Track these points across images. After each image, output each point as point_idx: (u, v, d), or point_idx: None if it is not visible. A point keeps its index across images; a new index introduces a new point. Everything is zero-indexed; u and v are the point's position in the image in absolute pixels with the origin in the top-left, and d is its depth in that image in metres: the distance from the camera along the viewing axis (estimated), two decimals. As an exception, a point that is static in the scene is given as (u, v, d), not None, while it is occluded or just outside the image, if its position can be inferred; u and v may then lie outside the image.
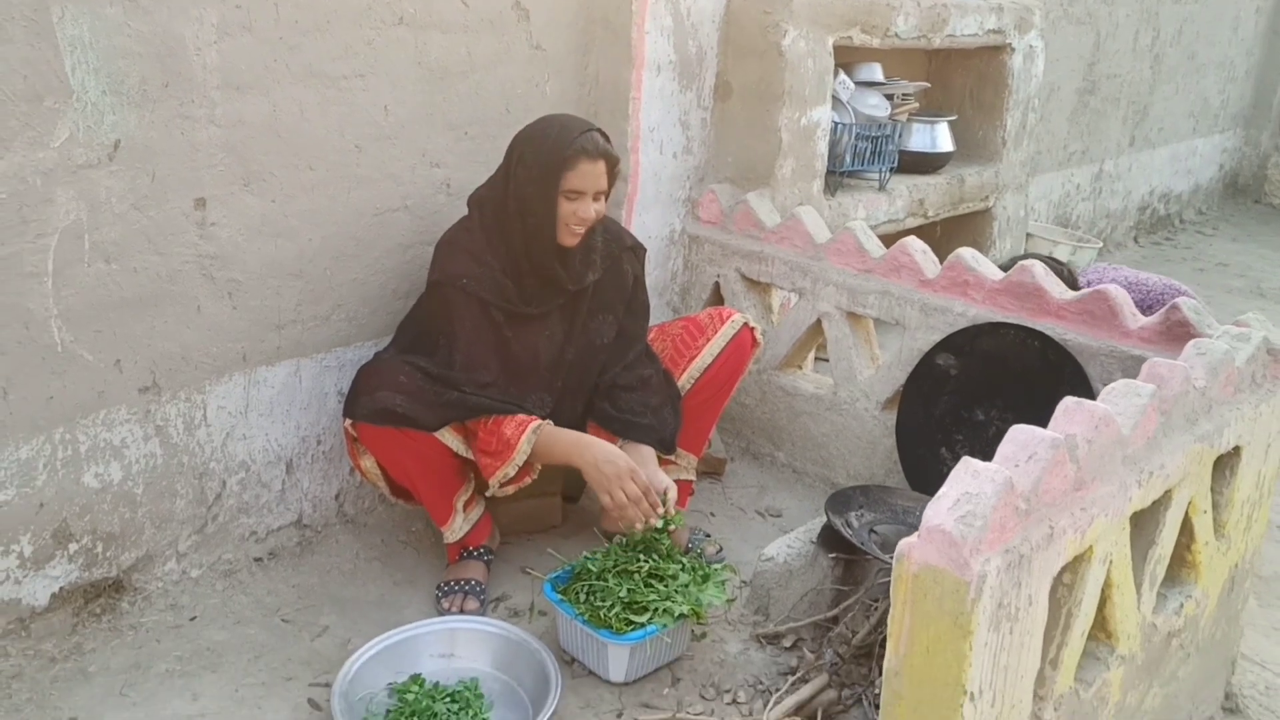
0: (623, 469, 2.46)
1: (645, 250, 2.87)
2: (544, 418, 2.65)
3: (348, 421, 2.51)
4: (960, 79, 4.54)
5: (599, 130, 2.57)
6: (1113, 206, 6.57)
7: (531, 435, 2.49)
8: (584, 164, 2.51)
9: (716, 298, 3.50)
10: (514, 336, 2.62)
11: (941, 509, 1.72)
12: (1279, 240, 7.28)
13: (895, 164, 3.95)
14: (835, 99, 3.70)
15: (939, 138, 4.23)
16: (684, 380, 2.84)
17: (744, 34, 3.39)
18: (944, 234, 4.56)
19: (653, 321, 3.01)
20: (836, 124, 3.66)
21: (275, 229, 2.59)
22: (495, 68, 2.97)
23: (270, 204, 2.56)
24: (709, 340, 2.87)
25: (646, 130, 3.29)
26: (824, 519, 2.61)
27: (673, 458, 2.84)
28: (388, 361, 2.54)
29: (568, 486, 3.01)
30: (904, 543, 1.72)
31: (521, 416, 2.52)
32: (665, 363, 2.87)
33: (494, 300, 2.57)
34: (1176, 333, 2.65)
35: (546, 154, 2.52)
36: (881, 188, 3.92)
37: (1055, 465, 1.83)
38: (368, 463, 2.59)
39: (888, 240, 4.12)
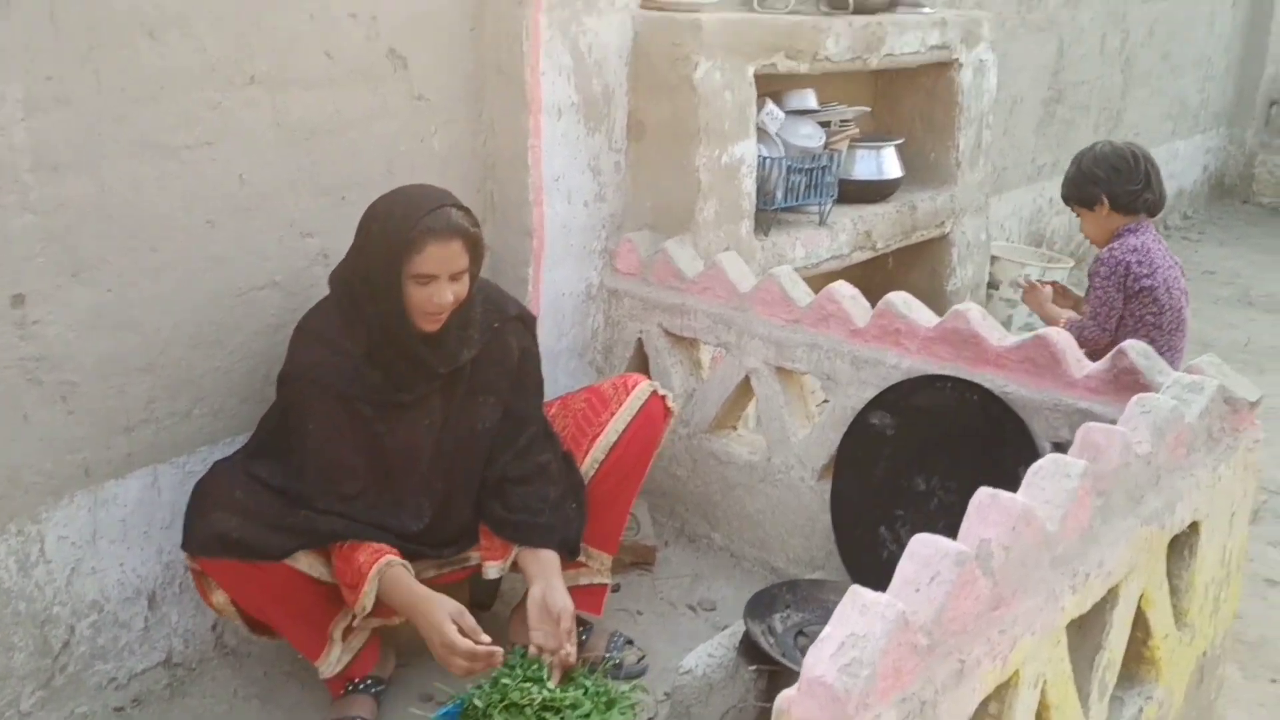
0: (455, 647, 2.13)
1: (534, 319, 2.60)
2: (423, 531, 2.36)
3: (185, 555, 2.24)
4: (908, 99, 4.27)
5: (455, 204, 2.29)
6: (1090, 217, 6.28)
7: (378, 573, 2.20)
8: (432, 246, 2.21)
9: (640, 355, 3.22)
10: (388, 431, 2.34)
11: (824, 655, 1.44)
12: (1269, 242, 6.99)
13: (835, 195, 3.67)
14: (763, 131, 3.43)
15: (885, 164, 3.95)
16: (587, 464, 2.57)
17: (653, 69, 3.13)
18: (897, 265, 4.28)
19: (575, 385, 2.74)
20: (765, 158, 3.39)
21: (114, 320, 2.31)
22: (372, 123, 2.71)
23: (106, 294, 2.29)
24: (614, 414, 2.60)
25: (551, 179, 3.02)
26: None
27: (581, 559, 2.56)
28: (224, 474, 2.25)
29: (477, 593, 2.70)
30: (783, 696, 1.45)
31: (375, 546, 2.23)
32: (566, 443, 2.59)
33: (357, 393, 2.29)
34: (1125, 381, 2.36)
35: (390, 236, 2.23)
36: (822, 222, 3.65)
37: (963, 586, 1.55)
38: (219, 598, 2.28)
39: (834, 277, 3.85)
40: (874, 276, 4.42)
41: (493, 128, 2.99)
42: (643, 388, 2.64)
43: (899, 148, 4.01)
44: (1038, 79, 5.53)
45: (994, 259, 4.81)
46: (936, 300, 4.36)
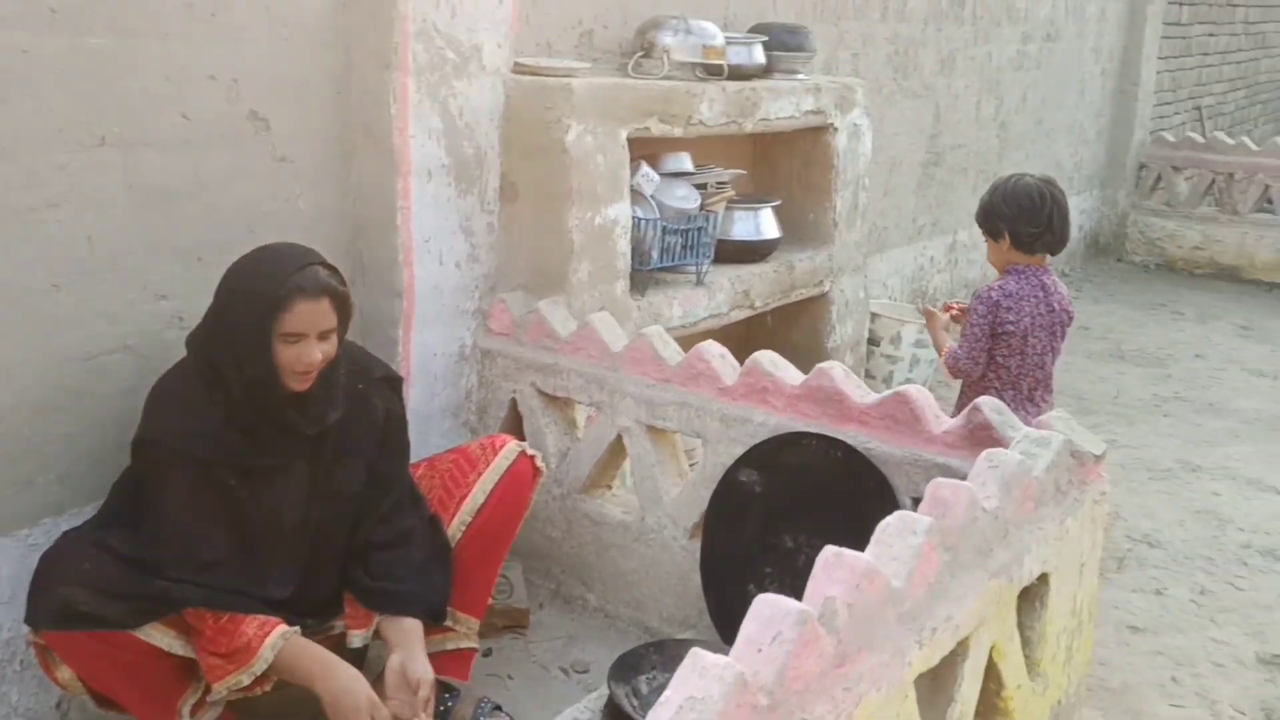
0: (361, 707, 2.13)
1: (400, 380, 2.57)
2: (288, 599, 2.31)
3: (27, 630, 2.14)
4: (786, 162, 4.36)
5: (322, 263, 2.27)
6: (970, 276, 6.47)
7: (278, 640, 2.15)
8: (301, 304, 2.19)
9: (515, 416, 3.20)
10: (250, 497, 2.28)
11: (663, 718, 1.42)
12: (1140, 299, 7.25)
13: (712, 255, 3.71)
14: (638, 193, 3.46)
15: (763, 225, 4.01)
16: (454, 526, 2.53)
17: (526, 132, 3.14)
18: (778, 323, 4.34)
19: (449, 446, 2.70)
20: (640, 219, 3.42)
21: (-51, 387, 2.23)
22: (231, 185, 2.67)
23: (-59, 359, 2.20)
24: (481, 475, 2.58)
25: (421, 241, 3.01)
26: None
27: (448, 624, 2.51)
28: (72, 545, 2.17)
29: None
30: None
31: (263, 617, 2.18)
32: (434, 506, 2.55)
33: (217, 458, 2.23)
34: (979, 436, 2.41)
35: (257, 294, 2.20)
36: (700, 282, 3.68)
37: (805, 644, 1.55)
38: (64, 674, 2.18)
39: (714, 335, 3.88)
40: (756, 334, 4.46)
41: (361, 190, 2.97)
42: (510, 448, 2.62)
43: (777, 209, 4.08)
44: (916, 143, 5.69)
45: (874, 316, 4.90)
46: (817, 357, 4.39)
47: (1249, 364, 5.89)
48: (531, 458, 2.63)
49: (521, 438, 3.15)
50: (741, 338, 4.45)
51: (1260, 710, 2.88)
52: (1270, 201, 7.79)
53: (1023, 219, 3.07)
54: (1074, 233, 7.81)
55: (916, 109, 5.62)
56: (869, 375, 4.94)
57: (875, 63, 5.16)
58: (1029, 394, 3.09)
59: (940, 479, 1.92)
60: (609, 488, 3.12)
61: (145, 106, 2.47)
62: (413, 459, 2.66)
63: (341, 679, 2.16)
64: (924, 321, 5.02)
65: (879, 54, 5.18)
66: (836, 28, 4.83)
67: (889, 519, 1.82)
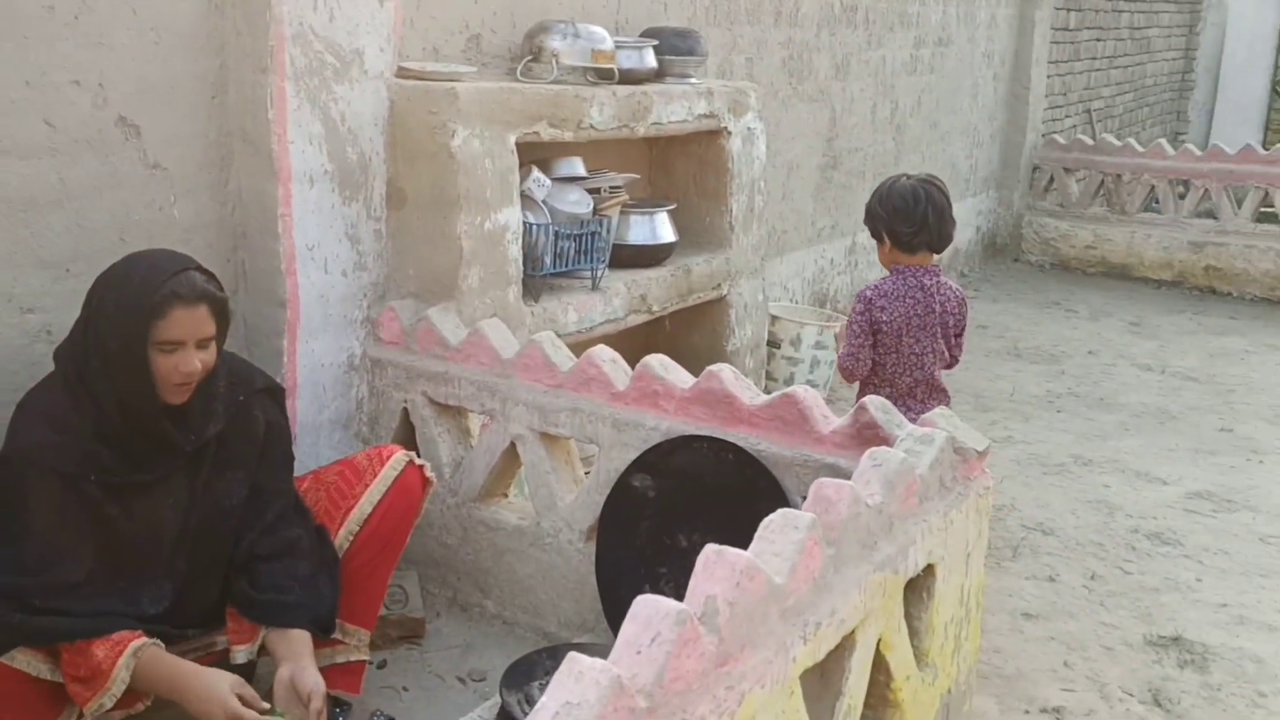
0: (214, 715, 2.06)
1: (283, 391, 2.50)
2: (165, 613, 2.23)
3: None
4: (681, 166, 4.37)
5: (198, 268, 2.21)
6: (871, 276, 6.54)
7: (130, 659, 2.07)
8: (178, 310, 2.13)
9: (407, 425, 3.14)
10: (122, 513, 2.20)
11: (538, 724, 1.39)
12: (1036, 298, 7.42)
13: (607, 260, 3.69)
14: (529, 198, 3.43)
15: (659, 228, 4.01)
16: (341, 538, 2.47)
17: (411, 137, 3.09)
18: (677, 327, 4.34)
19: (339, 458, 2.63)
20: (531, 225, 3.39)
21: None
22: (101, 193, 2.58)
23: None
24: (368, 486, 2.52)
25: (305, 248, 2.94)
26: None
27: (337, 636, 2.45)
28: (-69, 570, 2.08)
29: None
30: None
31: (118, 635, 2.09)
32: (320, 518, 2.49)
33: (86, 474, 2.15)
34: (866, 435, 2.43)
35: (131, 301, 2.13)
36: (595, 286, 3.66)
37: (685, 644, 1.53)
38: None
39: (610, 340, 3.86)
40: (655, 339, 4.46)
41: (240, 197, 2.89)
42: (398, 458, 2.57)
43: (673, 213, 4.08)
44: (813, 146, 5.75)
45: (774, 319, 4.93)
46: (717, 360, 4.40)
47: (1138, 359, 6.06)
48: (420, 467, 2.58)
49: (414, 448, 3.10)
50: (640, 342, 4.44)
51: (1148, 690, 2.95)
52: (1156, 201, 8.04)
53: (898, 219, 3.09)
54: (971, 234, 8.00)
55: (813, 113, 5.68)
56: (770, 377, 4.97)
57: (770, 67, 5.20)
58: (909, 391, 3.12)
59: (824, 478, 1.92)
60: (505, 495, 3.08)
61: (4, 112, 2.38)
62: (301, 472, 2.60)
63: (196, 688, 2.09)
64: (824, 324, 5.09)
65: (773, 58, 5.22)
66: (730, 32, 4.86)
67: (772, 516, 1.81)
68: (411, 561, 2.99)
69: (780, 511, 1.81)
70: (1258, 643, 3.19)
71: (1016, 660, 3.03)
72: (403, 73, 3.15)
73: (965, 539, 2.24)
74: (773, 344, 4.92)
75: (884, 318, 3.07)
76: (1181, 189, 7.97)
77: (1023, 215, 8.43)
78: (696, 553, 2.57)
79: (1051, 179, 8.37)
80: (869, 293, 3.11)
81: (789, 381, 4.96)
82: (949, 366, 3.26)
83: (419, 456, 2.70)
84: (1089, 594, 3.41)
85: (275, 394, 2.47)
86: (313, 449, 3.04)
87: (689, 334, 4.42)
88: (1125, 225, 8.02)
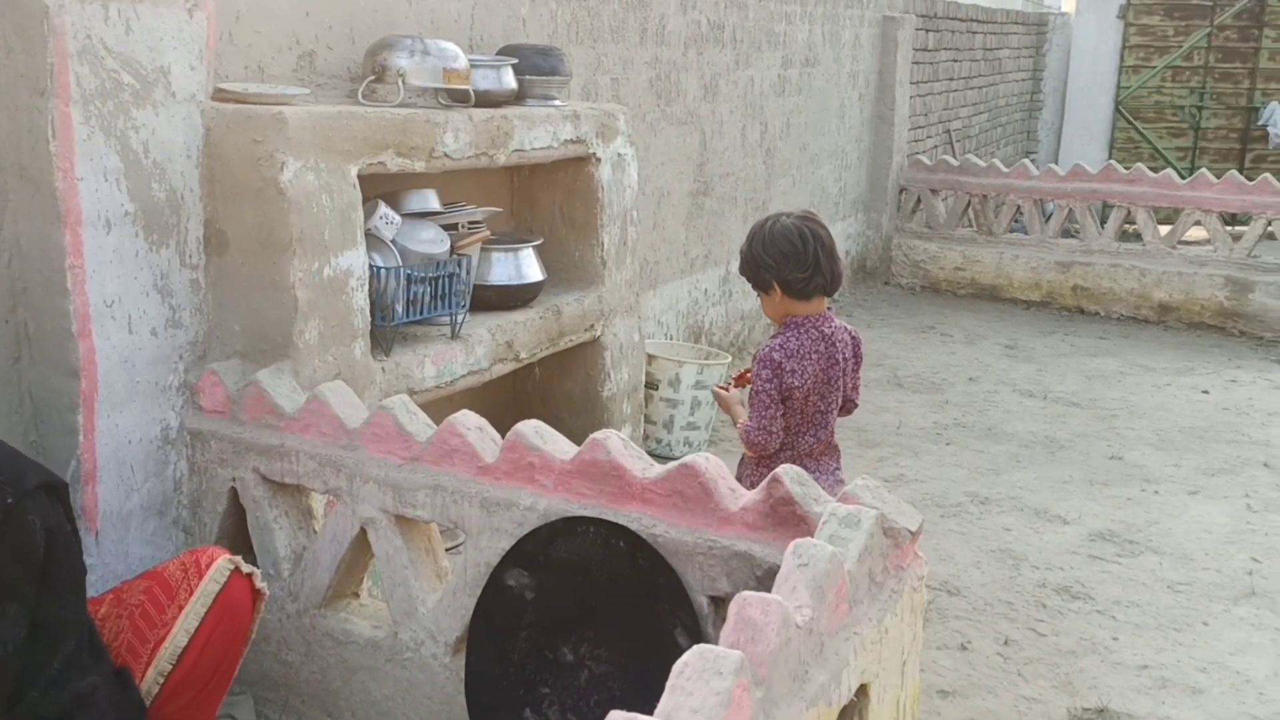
0: None
1: (65, 487, 2.01)
2: None
3: None
4: (547, 197, 3.98)
5: None
6: (746, 307, 6.28)
7: None
8: None
9: (236, 509, 2.67)
10: None
11: None
12: (910, 322, 7.27)
13: (468, 304, 3.29)
14: (376, 238, 3.00)
15: (525, 266, 3.61)
16: (149, 680, 2.01)
17: (231, 170, 2.64)
18: (547, 374, 3.95)
19: (156, 553, 2.15)
20: (379, 268, 2.96)
21: None
22: None
23: None
24: (183, 608, 2.05)
25: (102, 305, 2.45)
26: None
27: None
28: None
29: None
30: None
31: None
32: (121, 654, 2.01)
33: None
34: (782, 513, 2.07)
35: None
36: (455, 335, 3.24)
37: None
38: None
39: (474, 395, 3.46)
40: (524, 388, 4.07)
41: (19, 245, 2.40)
42: (220, 566, 2.11)
43: (539, 248, 3.69)
44: (683, 171, 5.44)
45: (651, 358, 4.59)
46: (593, 408, 4.06)
47: (1019, 385, 5.92)
48: (249, 577, 2.13)
49: (246, 536, 2.64)
50: (509, 394, 4.04)
51: (1079, 772, 2.69)
52: (1019, 221, 8.02)
53: (788, 265, 2.74)
54: (843, 257, 7.80)
55: (682, 136, 5.36)
56: (649, 420, 4.62)
57: (637, 88, 4.87)
58: (809, 452, 2.80)
59: (747, 595, 1.55)
60: (355, 595, 2.63)
61: None
62: (100, 590, 2.12)
63: None
64: (703, 361, 4.77)
65: (640, 78, 4.89)
66: (594, 50, 4.50)
67: (687, 658, 1.44)
68: (245, 683, 2.52)
69: (698, 651, 1.44)
70: (1183, 710, 2.96)
71: (945, 750, 2.73)
72: (220, 95, 2.69)
73: (901, 647, 1.90)
74: (650, 385, 4.58)
75: (795, 381, 2.72)
76: (1044, 209, 7.96)
77: (892, 238, 8.31)
78: (584, 669, 2.20)
79: (919, 200, 8.28)
80: (776, 355, 2.74)
81: (669, 424, 4.63)
82: (848, 413, 2.95)
83: (250, 557, 2.25)
84: (1005, 663, 3.14)
85: (56, 491, 1.98)
86: (120, 545, 2.55)
87: (561, 380, 4.04)
88: (993, 246, 7.96)
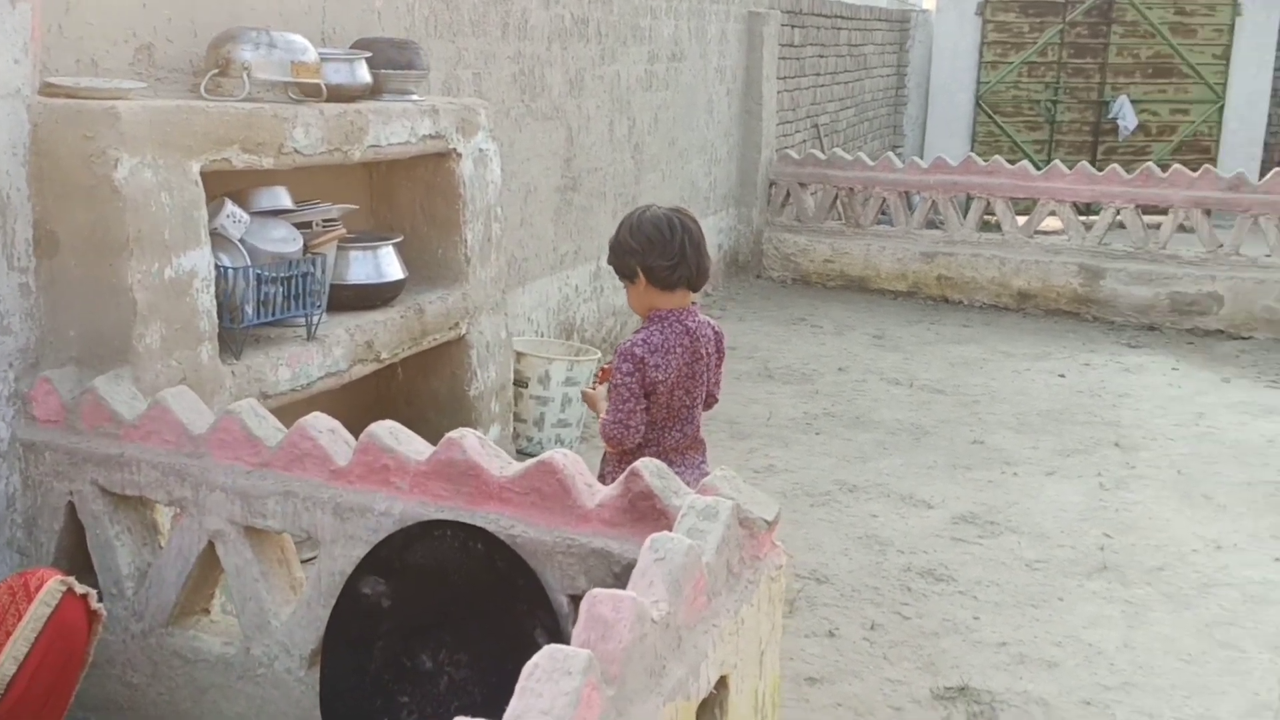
0: None
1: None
2: None
3: None
4: (407, 193, 3.90)
5: None
6: (618, 303, 6.26)
7: None
8: None
9: (74, 525, 2.54)
10: None
11: None
12: (782, 314, 7.36)
13: (324, 304, 3.19)
14: (222, 237, 2.89)
15: (384, 265, 3.53)
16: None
17: (61, 168, 2.51)
18: (412, 375, 3.87)
19: None
20: (227, 269, 2.85)
21: None
22: None
23: None
24: (10, 634, 1.94)
25: (-81, 313, 2.30)
26: None
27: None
28: None
29: None
30: None
31: None
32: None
33: None
34: (641, 508, 2.06)
35: None
36: (311, 336, 3.14)
37: None
38: None
39: (334, 399, 3.37)
40: (388, 390, 3.98)
41: None
42: (51, 589, 2.00)
43: (399, 246, 3.61)
44: (550, 167, 5.40)
45: (519, 355, 4.54)
46: (460, 408, 4.00)
47: (886, 374, 6.04)
48: (83, 598, 2.02)
49: (86, 554, 2.51)
50: (371, 396, 3.94)
51: (942, 753, 2.74)
52: (885, 213, 8.19)
53: (654, 252, 2.72)
54: (714, 252, 7.86)
55: (548, 131, 5.32)
56: (519, 419, 4.57)
57: (500, 83, 4.81)
58: (674, 447, 2.79)
59: (597, 591, 1.53)
60: (206, 612, 2.52)
61: None
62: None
63: None
64: (574, 358, 4.74)
65: (503, 73, 4.83)
66: (454, 45, 4.43)
67: (537, 659, 1.41)
68: (87, 708, 2.39)
69: (548, 651, 1.41)
70: (1040, 683, 3.05)
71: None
72: (49, 90, 2.56)
73: (759, 637, 1.91)
74: (520, 383, 4.53)
75: (659, 376, 2.70)
76: (909, 201, 8.15)
77: (762, 231, 8.40)
78: (443, 675, 2.15)
79: (788, 194, 8.38)
80: (638, 350, 2.71)
81: (539, 422, 4.58)
82: (709, 408, 2.95)
83: (90, 577, 2.14)
84: (871, 647, 3.19)
85: None
86: (-55, 566, 2.40)
87: (427, 380, 3.96)
88: (860, 238, 8.11)
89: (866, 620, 3.34)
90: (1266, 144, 12.44)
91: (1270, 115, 12.44)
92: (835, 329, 7.00)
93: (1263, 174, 8.24)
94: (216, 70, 3.00)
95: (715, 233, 7.89)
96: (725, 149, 7.95)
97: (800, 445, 4.87)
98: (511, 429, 4.39)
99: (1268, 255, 7.10)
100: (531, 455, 4.38)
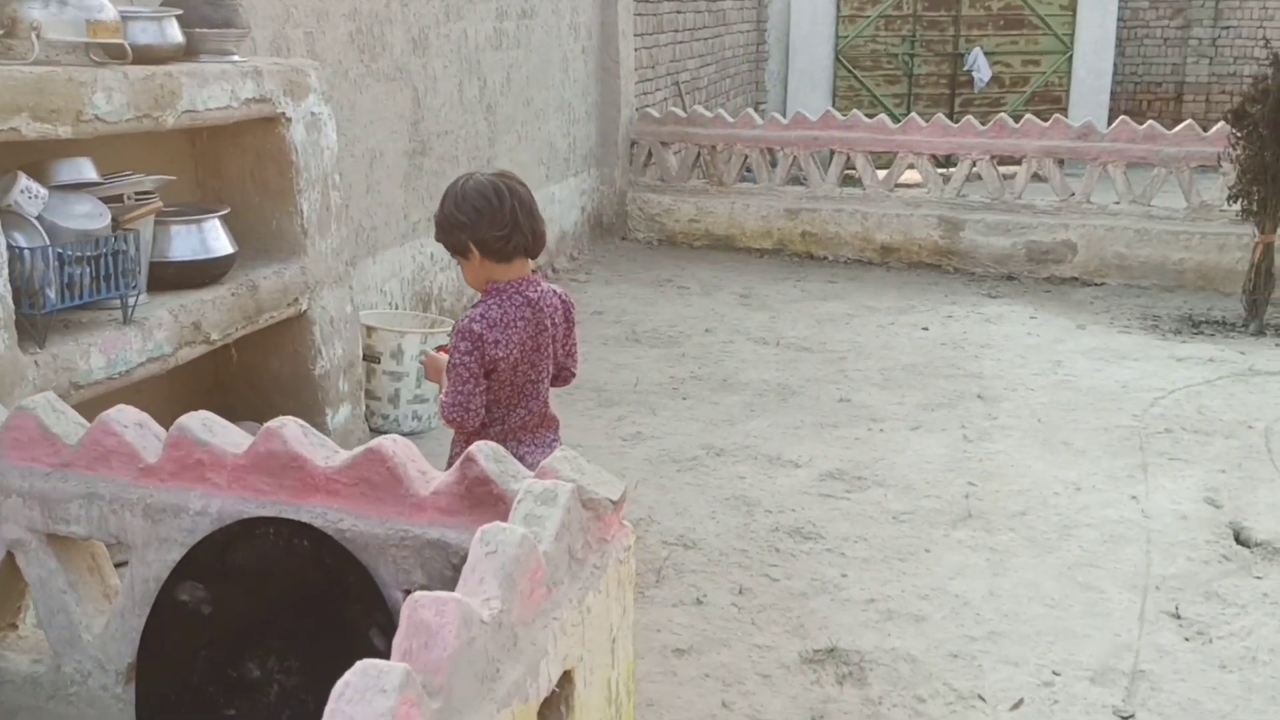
0: None
1: None
2: None
3: None
4: (234, 162, 3.65)
5: None
6: (477, 270, 6.06)
7: None
8: None
9: None
10: None
11: None
12: (648, 275, 7.25)
13: (142, 284, 2.95)
14: (16, 215, 2.63)
15: (211, 239, 3.29)
16: None
17: None
18: (249, 356, 3.64)
19: None
20: (23, 249, 2.59)
21: None
22: None
23: None
24: None
25: None
26: None
27: None
28: None
29: None
30: None
31: None
32: None
33: None
34: (478, 494, 1.92)
35: None
36: (128, 319, 2.90)
37: None
38: None
39: (157, 386, 3.14)
40: (223, 373, 3.75)
41: None
42: None
43: (227, 219, 3.37)
44: (397, 131, 5.16)
45: (369, 330, 4.34)
46: (305, 388, 3.79)
47: (753, 333, 5.99)
48: None
49: None
50: (206, 381, 3.71)
51: (810, 717, 2.68)
52: (749, 171, 8.13)
53: (484, 223, 2.53)
54: (577, 215, 7.72)
55: (392, 93, 5.08)
56: (372, 396, 4.37)
57: (336, 42, 4.55)
58: (523, 425, 2.64)
59: (419, 595, 1.39)
60: (14, 628, 2.29)
61: None
62: None
63: None
64: (428, 330, 4.55)
65: (339, 32, 4.57)
66: (282, 2, 4.16)
67: (348, 677, 1.26)
68: None
69: (359, 667, 1.26)
70: (908, 639, 3.02)
71: (673, 711, 2.66)
72: None
73: (609, 624, 1.79)
74: (371, 358, 4.33)
75: (499, 353, 2.53)
76: (771, 158, 8.11)
77: (626, 192, 8.26)
78: (273, 684, 1.97)
79: (650, 154, 8.26)
80: (476, 326, 2.52)
81: (394, 399, 4.40)
82: (565, 383, 2.81)
83: None
84: (739, 613, 3.12)
85: None
86: None
87: (266, 361, 3.74)
88: (725, 197, 8.04)
89: (735, 585, 3.27)
90: (1113, 92, 12.81)
91: (1116, 64, 12.80)
92: (702, 289, 6.92)
93: (1110, 122, 8.43)
94: (2, 31, 2.72)
95: (578, 194, 7.74)
96: (583, 108, 7.78)
97: (667, 410, 4.78)
98: (364, 407, 4.20)
99: (1116, 203, 7.27)
100: (388, 434, 4.20)
